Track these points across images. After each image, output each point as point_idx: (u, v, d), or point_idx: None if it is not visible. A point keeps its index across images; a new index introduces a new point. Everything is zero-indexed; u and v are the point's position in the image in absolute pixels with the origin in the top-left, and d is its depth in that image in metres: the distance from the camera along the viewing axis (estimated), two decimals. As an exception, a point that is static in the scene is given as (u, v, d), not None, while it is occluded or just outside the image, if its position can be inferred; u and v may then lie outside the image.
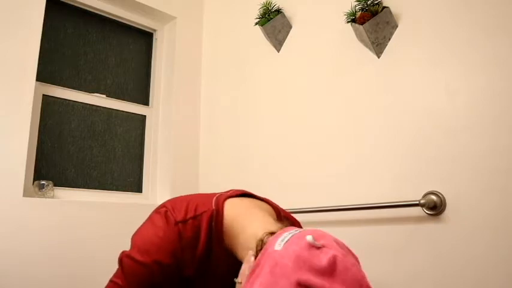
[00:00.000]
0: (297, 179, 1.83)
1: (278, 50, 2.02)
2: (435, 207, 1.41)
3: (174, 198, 0.94)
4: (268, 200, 0.99)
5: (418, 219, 1.46)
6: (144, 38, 2.35)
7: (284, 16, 1.97)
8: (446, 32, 1.48)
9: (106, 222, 1.85)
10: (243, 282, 0.73)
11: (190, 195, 0.96)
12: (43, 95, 1.88)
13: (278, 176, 1.90)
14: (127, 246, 0.90)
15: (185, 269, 0.86)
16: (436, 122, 1.46)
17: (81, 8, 2.09)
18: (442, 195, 1.41)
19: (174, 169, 2.15)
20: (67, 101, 1.98)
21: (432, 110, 1.48)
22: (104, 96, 2.11)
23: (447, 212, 1.40)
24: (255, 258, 0.74)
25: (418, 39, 1.55)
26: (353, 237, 1.47)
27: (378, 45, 1.63)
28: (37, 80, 1.80)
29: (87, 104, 2.04)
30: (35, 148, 1.81)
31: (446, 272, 1.37)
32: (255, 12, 2.08)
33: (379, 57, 1.65)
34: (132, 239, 0.89)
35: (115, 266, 0.91)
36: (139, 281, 0.84)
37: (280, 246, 0.70)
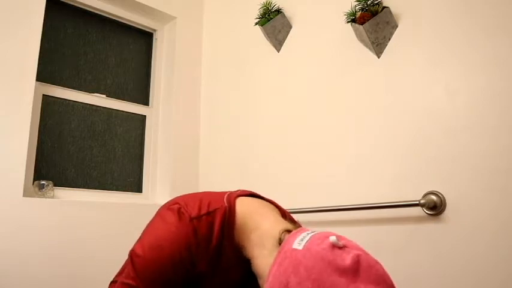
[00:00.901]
0: (296, 179, 1.83)
1: (278, 50, 2.02)
2: (435, 207, 1.41)
3: (184, 195, 0.95)
4: (273, 201, 0.99)
5: (418, 219, 1.46)
6: (144, 38, 2.35)
7: (284, 16, 1.97)
8: (446, 32, 1.48)
9: (106, 222, 1.85)
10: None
11: (199, 192, 0.96)
12: (43, 95, 1.88)
13: (278, 175, 1.90)
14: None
15: (198, 264, 0.85)
16: (436, 122, 1.46)
17: (81, 8, 2.09)
18: (442, 195, 1.41)
19: (174, 169, 2.15)
20: (67, 101, 1.98)
21: (432, 110, 1.48)
22: (104, 96, 2.11)
23: (447, 212, 1.40)
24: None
25: (418, 39, 1.55)
26: (353, 237, 1.47)
27: (378, 45, 1.63)
28: (37, 80, 1.80)
29: (87, 104, 2.04)
30: (35, 148, 1.81)
31: (446, 272, 1.37)
32: (255, 12, 2.08)
33: (379, 57, 1.65)
34: (141, 237, 0.89)
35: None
36: (154, 279, 0.82)
37: (300, 246, 0.71)
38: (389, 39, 1.62)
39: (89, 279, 1.73)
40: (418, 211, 1.45)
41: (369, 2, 1.60)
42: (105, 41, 2.18)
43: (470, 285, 1.32)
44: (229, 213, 0.88)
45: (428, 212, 1.43)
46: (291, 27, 1.99)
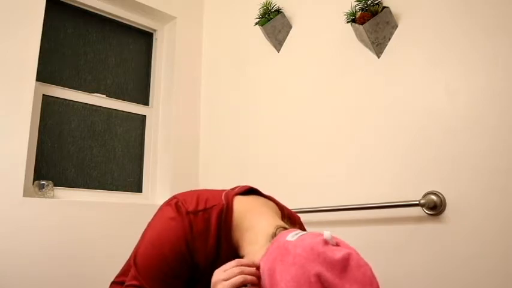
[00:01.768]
0: (297, 179, 1.83)
1: (278, 50, 2.02)
2: (435, 207, 1.41)
3: (184, 192, 0.96)
4: (272, 197, 1.00)
5: (418, 219, 1.46)
6: (144, 38, 2.35)
7: (284, 16, 1.97)
8: (446, 32, 1.48)
9: (106, 222, 1.85)
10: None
11: (198, 189, 0.97)
12: (43, 95, 1.88)
13: (278, 176, 1.90)
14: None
15: (197, 258, 0.86)
16: (436, 122, 1.46)
17: (81, 8, 2.09)
18: (442, 195, 1.41)
19: (174, 169, 2.15)
20: (67, 101, 1.98)
21: (432, 110, 1.48)
22: (104, 96, 2.11)
23: (447, 212, 1.40)
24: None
25: (418, 39, 1.55)
26: (353, 237, 1.47)
27: (378, 45, 1.63)
28: (37, 80, 1.80)
29: (87, 104, 2.04)
30: (35, 148, 1.81)
31: (446, 271, 1.37)
32: (255, 12, 2.09)
33: (379, 57, 1.65)
34: (143, 235, 0.90)
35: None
36: (156, 274, 0.83)
37: (293, 238, 0.71)
38: (389, 39, 1.62)
39: (89, 279, 1.73)
40: (418, 211, 1.45)
41: (369, 2, 1.59)
42: (105, 41, 2.18)
43: (470, 285, 1.32)
44: (227, 211, 0.88)
45: (428, 212, 1.43)
46: (291, 27, 1.99)
